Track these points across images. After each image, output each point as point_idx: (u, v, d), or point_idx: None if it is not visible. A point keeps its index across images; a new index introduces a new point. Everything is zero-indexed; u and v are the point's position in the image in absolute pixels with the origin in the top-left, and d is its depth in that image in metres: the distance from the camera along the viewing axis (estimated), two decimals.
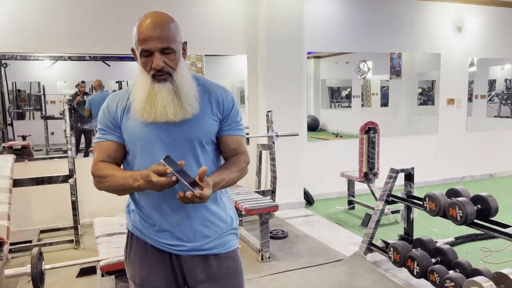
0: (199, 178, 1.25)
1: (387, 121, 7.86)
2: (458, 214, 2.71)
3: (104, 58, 5.73)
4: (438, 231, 4.06)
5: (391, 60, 7.60)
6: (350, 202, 4.82)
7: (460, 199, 2.74)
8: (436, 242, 3.16)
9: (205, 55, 5.28)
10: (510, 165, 6.27)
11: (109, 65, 6.19)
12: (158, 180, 1.21)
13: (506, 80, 9.12)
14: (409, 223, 3.46)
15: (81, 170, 4.05)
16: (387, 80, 9.36)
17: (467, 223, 2.71)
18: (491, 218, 2.72)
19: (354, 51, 5.61)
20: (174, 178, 1.22)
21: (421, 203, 3.04)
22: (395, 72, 7.57)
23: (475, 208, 2.68)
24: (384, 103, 10.06)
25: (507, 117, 8.89)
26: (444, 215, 2.87)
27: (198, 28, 4.71)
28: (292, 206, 4.95)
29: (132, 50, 1.40)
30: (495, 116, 8.63)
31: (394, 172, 3.42)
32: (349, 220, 4.52)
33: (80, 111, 5.79)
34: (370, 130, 4.34)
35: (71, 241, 3.87)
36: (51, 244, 3.82)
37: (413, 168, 3.46)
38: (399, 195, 3.43)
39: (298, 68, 4.87)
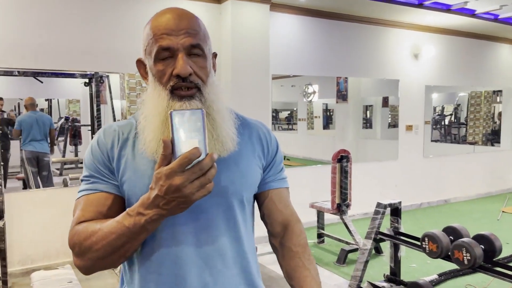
0: None
1: (334, 144, 7.79)
2: (465, 258, 2.49)
3: (36, 74, 5.02)
4: (417, 266, 3.86)
5: (337, 84, 7.59)
6: (320, 235, 4.50)
7: (466, 240, 2.54)
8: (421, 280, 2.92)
9: None
10: (462, 190, 6.39)
11: (41, 82, 5.46)
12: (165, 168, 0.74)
13: (434, 107, 9.63)
14: (397, 262, 3.21)
15: (7, 206, 3.31)
16: (325, 104, 9.44)
17: (474, 267, 2.50)
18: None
19: (311, 74, 5.40)
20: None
21: (418, 243, 2.80)
22: (341, 96, 7.56)
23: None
24: (325, 125, 10.14)
25: (437, 140, 9.30)
26: (447, 257, 2.65)
27: None
28: (257, 241, 4.52)
29: (138, 62, 0.99)
30: (432, 141, 9.00)
31: (382, 207, 3.17)
32: (322, 256, 4.17)
33: None
34: (343, 158, 4.09)
35: None
36: None
37: (400, 203, 3.25)
38: (385, 231, 3.18)
39: (264, 91, 4.50)
